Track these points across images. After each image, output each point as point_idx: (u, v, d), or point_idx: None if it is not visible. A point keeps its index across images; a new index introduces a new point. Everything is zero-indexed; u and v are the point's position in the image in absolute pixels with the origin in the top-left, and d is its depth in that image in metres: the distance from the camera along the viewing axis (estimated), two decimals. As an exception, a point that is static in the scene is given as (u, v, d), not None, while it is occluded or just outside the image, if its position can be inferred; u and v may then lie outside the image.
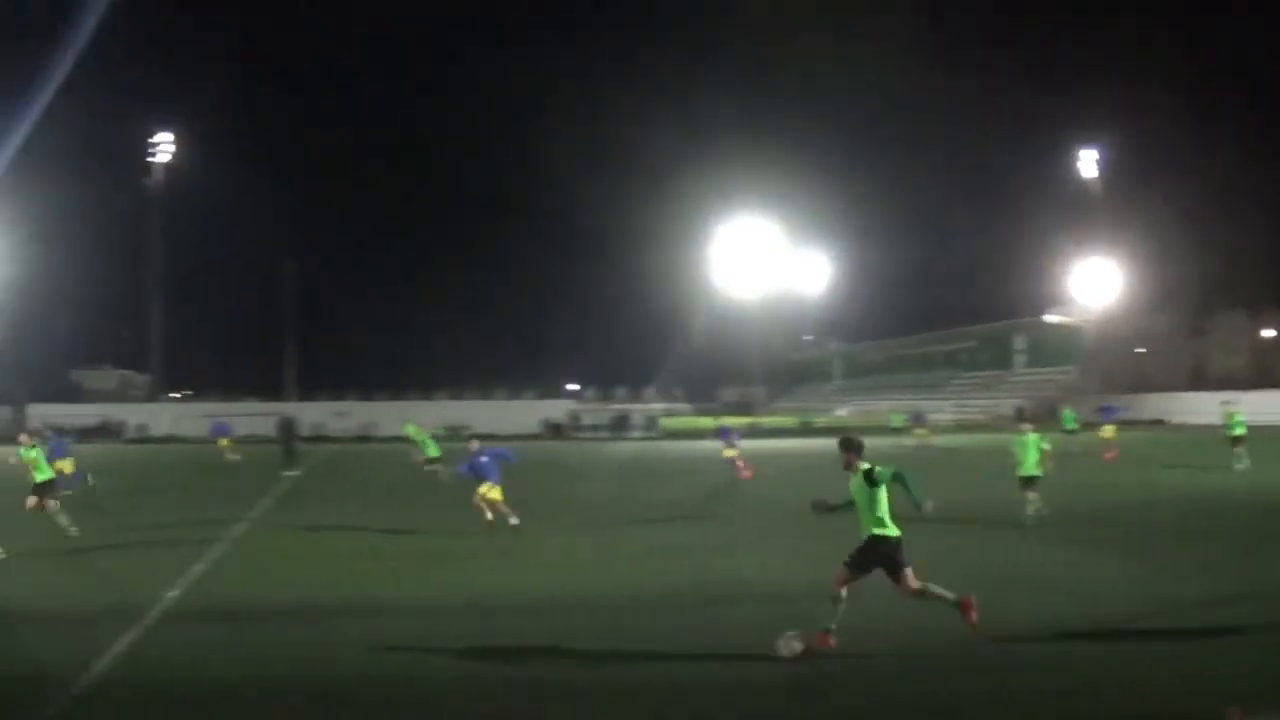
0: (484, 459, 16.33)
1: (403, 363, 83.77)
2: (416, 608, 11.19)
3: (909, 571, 8.77)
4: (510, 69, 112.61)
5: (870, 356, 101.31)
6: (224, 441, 40.26)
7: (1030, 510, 16.26)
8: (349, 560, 14.24)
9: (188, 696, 7.91)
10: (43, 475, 16.74)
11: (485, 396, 70.41)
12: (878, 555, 8.80)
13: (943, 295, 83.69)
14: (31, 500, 16.58)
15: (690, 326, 77.95)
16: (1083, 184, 74.16)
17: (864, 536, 8.91)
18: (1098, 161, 73.69)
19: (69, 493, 21.05)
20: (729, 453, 27.24)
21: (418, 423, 31.79)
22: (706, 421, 60.61)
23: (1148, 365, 71.98)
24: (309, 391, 71.15)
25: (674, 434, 58.81)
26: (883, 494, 8.86)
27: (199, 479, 30.35)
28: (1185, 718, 7.03)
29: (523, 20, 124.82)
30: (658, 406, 70.46)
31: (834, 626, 8.63)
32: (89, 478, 23.39)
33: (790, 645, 8.58)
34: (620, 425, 61.54)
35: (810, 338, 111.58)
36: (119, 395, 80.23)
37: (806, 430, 58.37)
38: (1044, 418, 45.24)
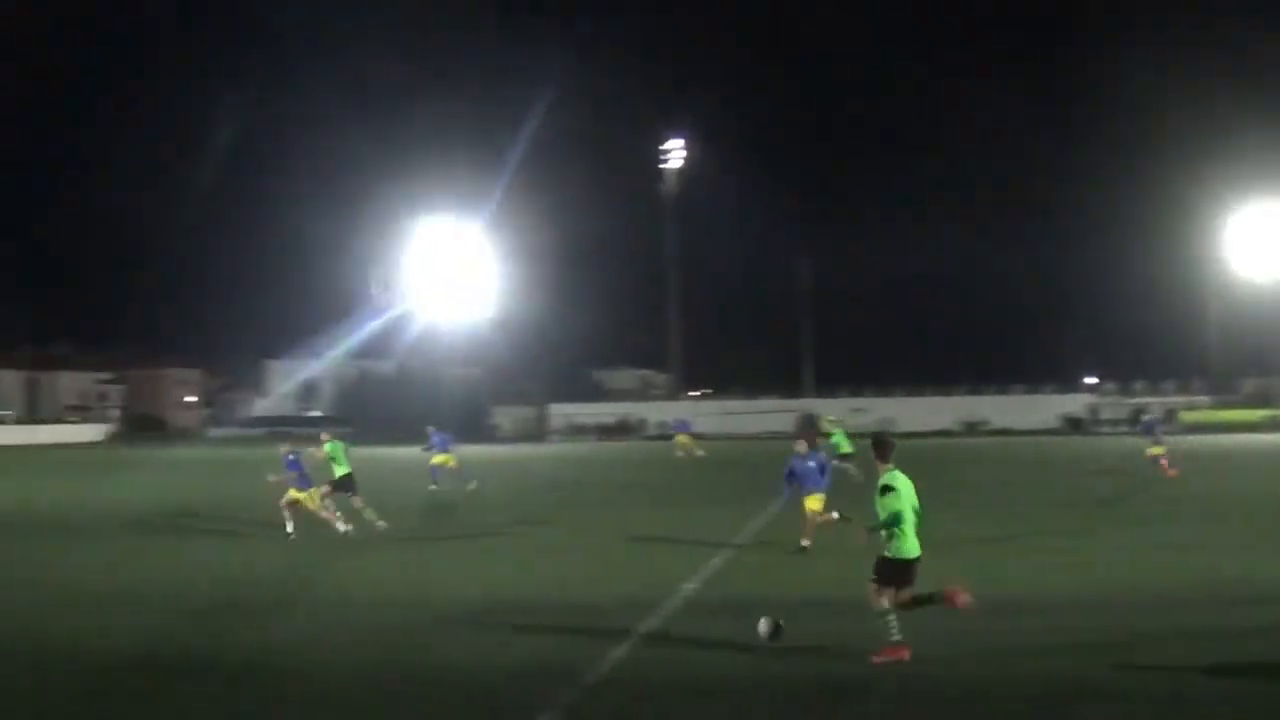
0: (810, 464, 15.20)
1: (918, 359, 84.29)
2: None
3: None
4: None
5: None
6: (682, 438, 41.53)
7: None
8: (857, 556, 12.23)
9: (692, 690, 7.92)
10: (342, 469, 16.98)
11: (1003, 392, 71.20)
12: None
13: None
14: (325, 489, 16.73)
15: (1208, 315, 74.31)
16: None
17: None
18: None
19: (434, 487, 23.60)
20: (1154, 450, 26.19)
21: (830, 418, 35.06)
22: (1231, 415, 58.28)
23: None
24: (827, 388, 74.44)
25: (1194, 428, 57.42)
26: None
27: (720, 474, 31.69)
28: None
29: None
30: (1178, 399, 68.91)
31: None
32: (472, 482, 24.32)
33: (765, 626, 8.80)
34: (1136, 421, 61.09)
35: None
36: (640, 395, 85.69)
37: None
38: None
